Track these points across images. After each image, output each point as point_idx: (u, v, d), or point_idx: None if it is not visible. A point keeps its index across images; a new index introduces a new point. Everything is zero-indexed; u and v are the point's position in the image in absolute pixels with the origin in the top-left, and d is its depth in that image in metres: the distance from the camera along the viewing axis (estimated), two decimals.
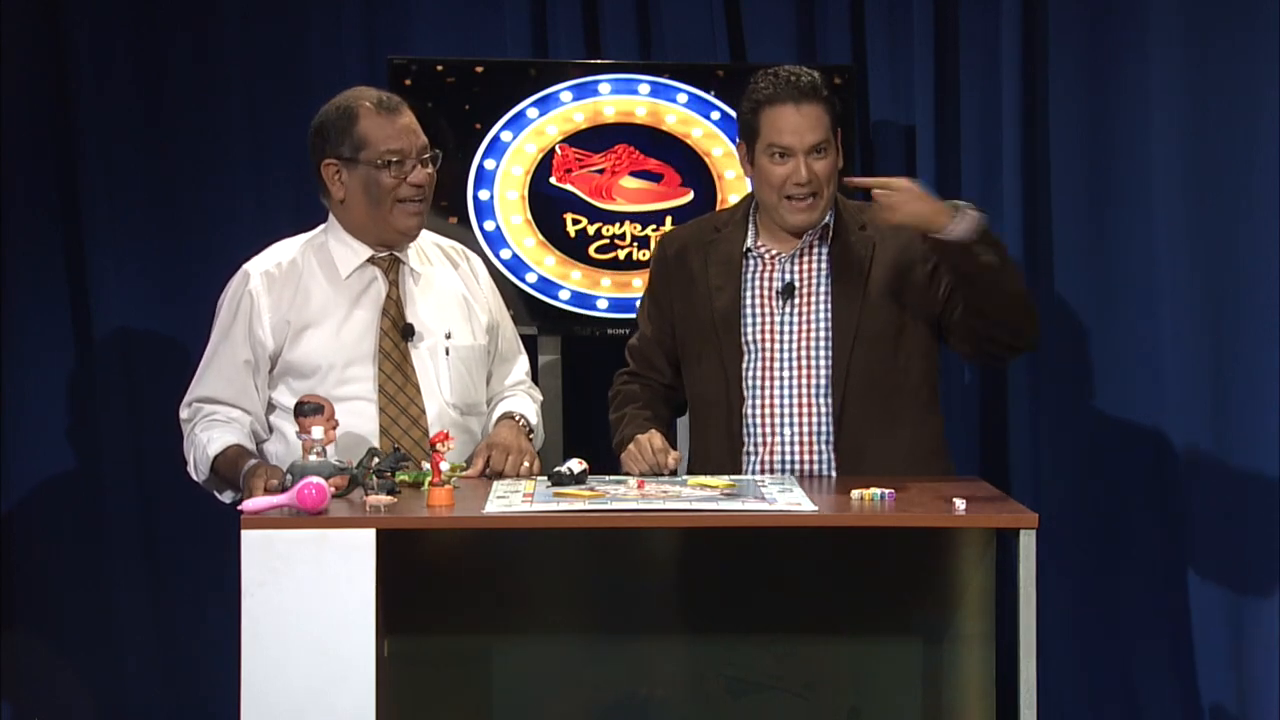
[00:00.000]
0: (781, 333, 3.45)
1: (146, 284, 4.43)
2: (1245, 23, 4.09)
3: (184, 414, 3.43)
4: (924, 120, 4.39)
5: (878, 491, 3.09)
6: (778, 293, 3.46)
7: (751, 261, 3.49)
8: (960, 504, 2.98)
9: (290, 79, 4.44)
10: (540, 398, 3.68)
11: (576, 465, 3.18)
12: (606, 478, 3.27)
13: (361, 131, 3.39)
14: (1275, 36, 4.03)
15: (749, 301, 3.47)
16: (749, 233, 3.50)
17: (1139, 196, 4.22)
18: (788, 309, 3.45)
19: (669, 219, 4.21)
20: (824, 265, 3.46)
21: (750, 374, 3.45)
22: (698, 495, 3.07)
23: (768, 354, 3.45)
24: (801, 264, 3.47)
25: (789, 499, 3.05)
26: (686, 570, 3.20)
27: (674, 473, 3.35)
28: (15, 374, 4.38)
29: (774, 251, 3.48)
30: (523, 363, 3.69)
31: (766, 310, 3.47)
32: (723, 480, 3.23)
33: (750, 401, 3.45)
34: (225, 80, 4.42)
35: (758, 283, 3.48)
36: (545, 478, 3.28)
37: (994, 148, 4.34)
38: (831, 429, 3.42)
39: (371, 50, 4.43)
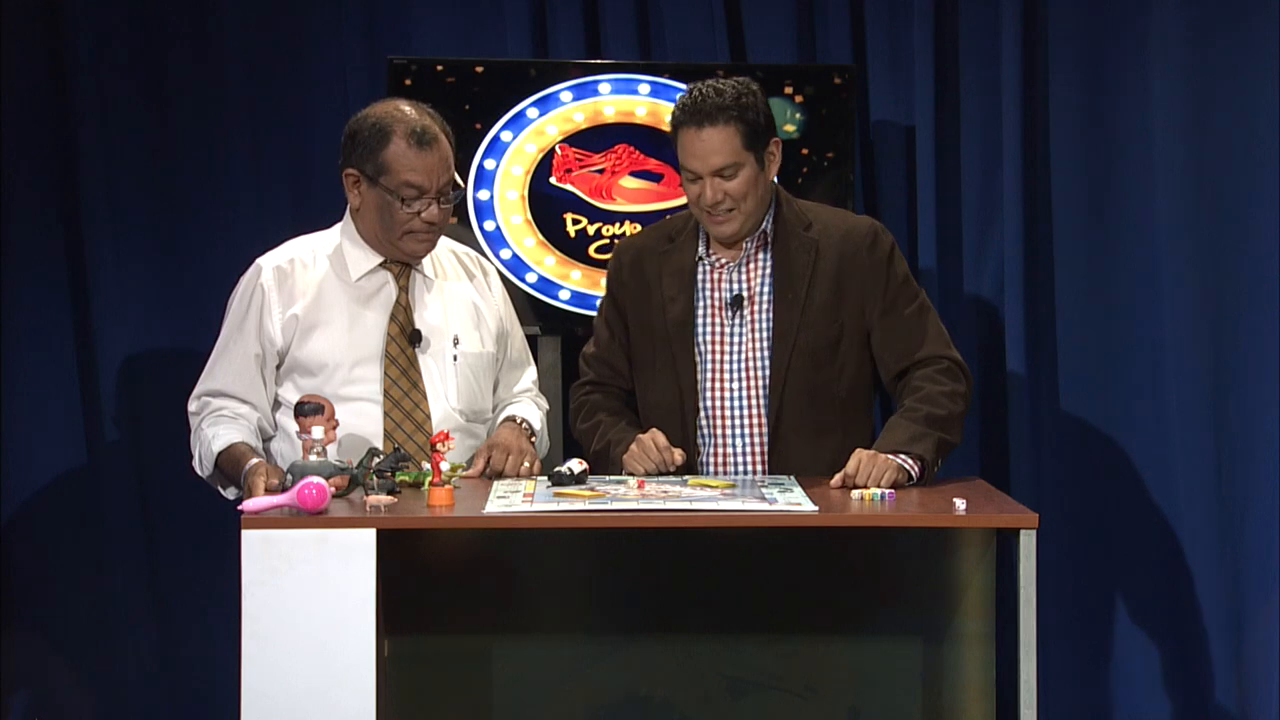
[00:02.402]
0: (730, 341, 3.46)
1: (146, 284, 4.42)
2: (1245, 23, 4.08)
3: (192, 407, 3.43)
4: (924, 120, 4.38)
5: (878, 492, 3.10)
6: (727, 304, 3.46)
7: (703, 270, 3.49)
8: (960, 504, 2.98)
9: (290, 79, 4.43)
10: (546, 406, 3.67)
11: (576, 465, 3.19)
12: (606, 478, 3.28)
13: (388, 157, 3.34)
14: (1275, 36, 4.03)
15: (701, 311, 3.47)
16: (700, 241, 3.50)
17: (1139, 196, 4.22)
18: (736, 319, 3.45)
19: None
20: (766, 272, 3.46)
21: (703, 383, 3.45)
22: (698, 495, 3.07)
23: (718, 363, 3.46)
24: (747, 271, 3.47)
25: (789, 499, 3.05)
26: (686, 570, 3.19)
27: (679, 470, 3.35)
28: (15, 374, 4.37)
29: (722, 260, 3.48)
30: (530, 373, 3.68)
31: (717, 319, 3.47)
32: (723, 480, 3.24)
33: (704, 410, 3.45)
34: (225, 80, 4.42)
35: (709, 292, 3.48)
36: (545, 478, 3.28)
37: (994, 148, 4.33)
38: (769, 435, 3.42)
39: (371, 50, 4.43)
